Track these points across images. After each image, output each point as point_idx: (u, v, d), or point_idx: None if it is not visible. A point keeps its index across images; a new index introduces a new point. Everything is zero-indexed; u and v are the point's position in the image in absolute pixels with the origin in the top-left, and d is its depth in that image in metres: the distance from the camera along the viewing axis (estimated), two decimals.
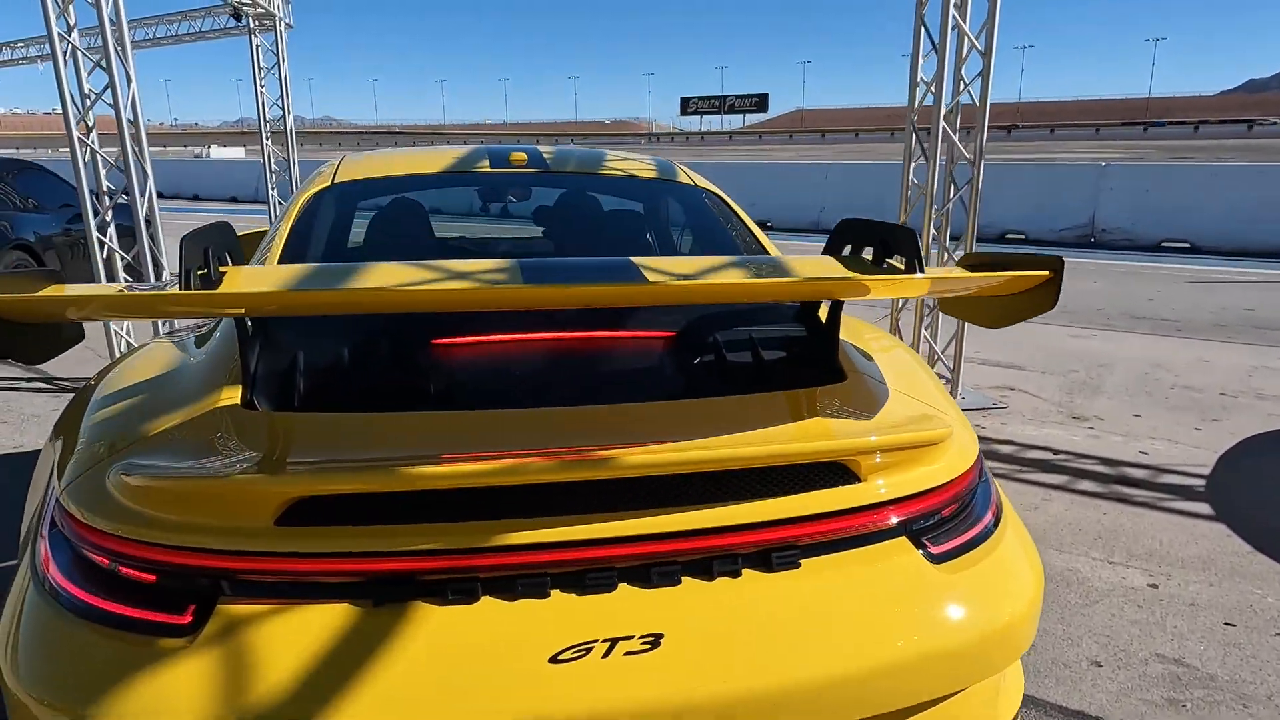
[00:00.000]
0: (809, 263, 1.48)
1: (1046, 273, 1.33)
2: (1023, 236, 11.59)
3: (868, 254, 1.56)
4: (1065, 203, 11.35)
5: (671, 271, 1.34)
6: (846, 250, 1.66)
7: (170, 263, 5.82)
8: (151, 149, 4.86)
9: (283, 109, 8.82)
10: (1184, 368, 5.25)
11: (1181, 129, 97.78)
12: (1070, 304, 7.18)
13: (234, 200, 19.80)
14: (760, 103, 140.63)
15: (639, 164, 2.59)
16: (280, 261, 1.84)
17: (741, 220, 2.31)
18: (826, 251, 1.68)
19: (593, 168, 2.49)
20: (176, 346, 1.92)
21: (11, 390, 5.02)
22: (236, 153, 67.49)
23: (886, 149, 63.88)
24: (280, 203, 9.08)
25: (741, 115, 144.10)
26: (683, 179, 2.51)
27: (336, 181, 2.24)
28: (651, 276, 1.29)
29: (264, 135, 8.95)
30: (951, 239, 4.68)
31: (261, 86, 8.72)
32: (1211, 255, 9.96)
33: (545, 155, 2.50)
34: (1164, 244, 10.60)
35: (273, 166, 9.07)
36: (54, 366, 5.47)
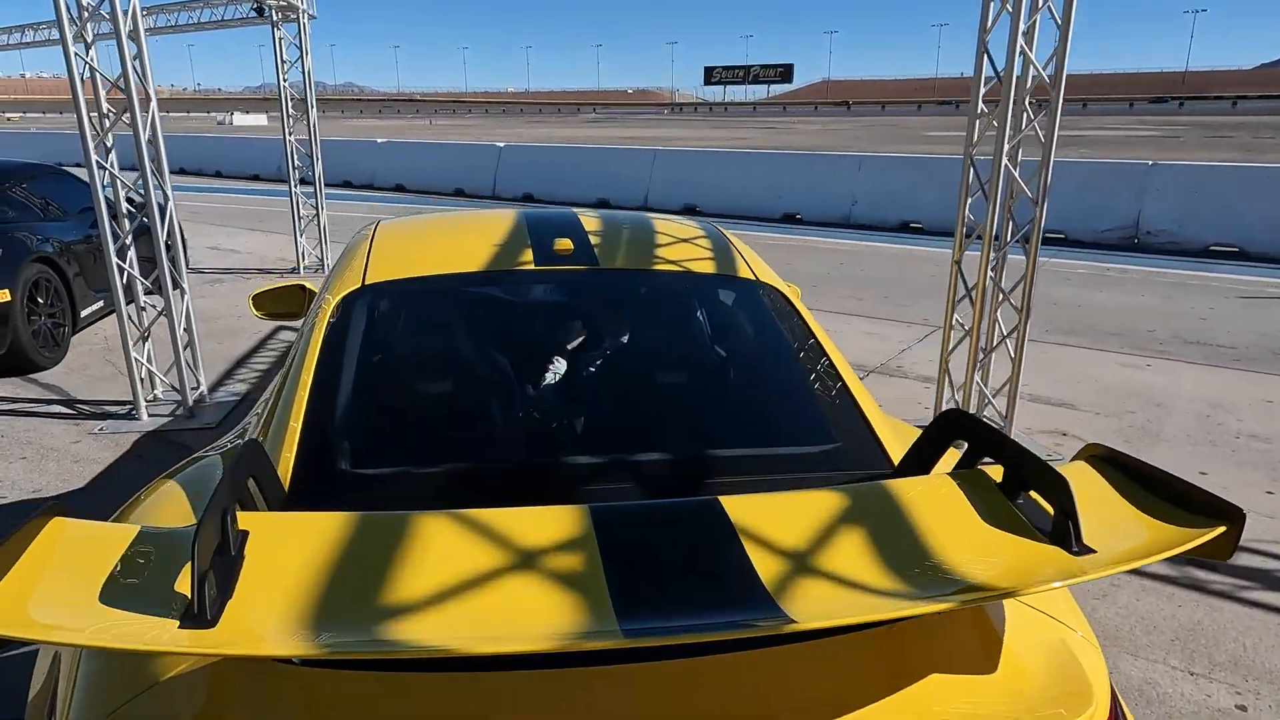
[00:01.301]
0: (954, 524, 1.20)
1: (1222, 528, 1.13)
2: (1062, 236, 11.22)
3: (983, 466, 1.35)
4: (1108, 202, 10.95)
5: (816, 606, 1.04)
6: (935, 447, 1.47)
7: (193, 253, 5.71)
8: (175, 115, 4.72)
9: (307, 102, 8.61)
10: (1247, 410, 4.98)
11: (1219, 104, 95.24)
12: (1117, 323, 6.89)
13: (256, 178, 19.66)
14: (785, 73, 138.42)
15: (694, 249, 2.38)
16: (306, 413, 1.64)
17: (811, 333, 2.06)
18: (924, 447, 1.47)
19: (644, 260, 2.27)
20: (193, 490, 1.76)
21: (30, 415, 4.91)
22: (259, 119, 67.50)
23: (913, 123, 62.71)
24: (304, 200, 8.91)
25: (766, 86, 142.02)
26: (744, 272, 2.28)
27: (368, 283, 2.05)
28: (794, 609, 1.02)
29: (286, 130, 8.75)
30: (1012, 238, 4.36)
31: (284, 79, 8.50)
32: (1261, 263, 9.57)
33: (593, 241, 2.30)
34: (1212, 248, 10.21)
35: (296, 162, 8.88)
36: (77, 387, 5.36)
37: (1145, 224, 10.76)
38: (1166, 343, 6.42)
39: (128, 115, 4.42)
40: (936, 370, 4.76)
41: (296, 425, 1.60)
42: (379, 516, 1.19)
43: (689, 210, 14.19)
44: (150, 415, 4.84)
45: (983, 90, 4.25)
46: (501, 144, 16.97)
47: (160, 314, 4.80)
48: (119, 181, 4.60)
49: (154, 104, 4.53)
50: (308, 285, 3.28)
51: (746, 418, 1.82)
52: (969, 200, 4.38)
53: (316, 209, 8.98)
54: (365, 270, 2.12)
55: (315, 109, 8.72)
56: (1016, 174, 4.24)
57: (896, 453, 1.62)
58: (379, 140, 18.66)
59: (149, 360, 4.95)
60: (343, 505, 1.36)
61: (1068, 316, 7.10)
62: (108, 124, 4.51)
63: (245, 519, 1.13)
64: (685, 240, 2.46)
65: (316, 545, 1.11)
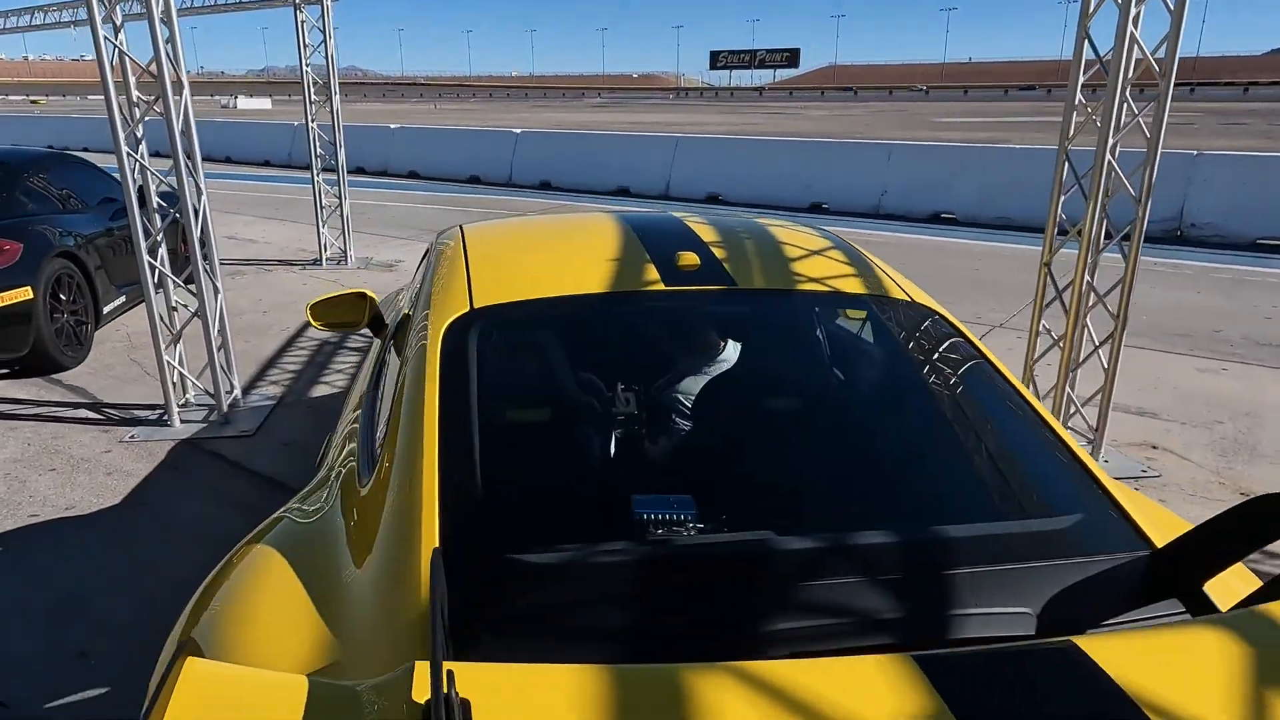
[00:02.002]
0: None
1: None
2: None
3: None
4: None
5: None
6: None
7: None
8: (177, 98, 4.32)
9: (329, 87, 8.30)
10: None
11: (1230, 90, 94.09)
12: (1181, 323, 6.60)
13: (267, 164, 19.34)
14: (791, 58, 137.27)
15: (830, 263, 2.10)
16: (445, 480, 1.35)
17: (994, 369, 1.77)
18: (1220, 536, 1.20)
19: (784, 279, 1.98)
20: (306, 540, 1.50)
21: (56, 420, 4.65)
22: (263, 103, 66.90)
23: (922, 108, 61.94)
24: (323, 182, 8.62)
25: (772, 70, 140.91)
26: (895, 292, 1.99)
27: (477, 306, 1.78)
28: None
29: (309, 115, 8.45)
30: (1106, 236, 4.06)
31: (307, 63, 8.19)
32: None
33: (718, 254, 2.02)
34: (1259, 241, 9.89)
35: (319, 149, 8.58)
36: (103, 389, 5.10)
37: (1190, 216, 10.43)
38: (1237, 344, 6.12)
39: (158, 103, 4.13)
40: (1021, 374, 4.48)
41: (432, 495, 1.33)
42: (638, 671, 0.91)
43: (712, 200, 13.87)
44: (183, 421, 4.58)
45: (1083, 77, 3.93)
46: (518, 130, 16.62)
47: (194, 315, 4.53)
48: (150, 173, 4.32)
49: (187, 90, 4.24)
50: (369, 294, 3.01)
51: (961, 482, 1.53)
52: (1061, 197, 4.09)
53: (340, 198, 8.68)
54: (469, 289, 1.85)
55: (339, 95, 8.41)
56: (1118, 168, 3.94)
57: (1148, 527, 1.34)
58: (392, 126, 18.31)
59: (180, 363, 4.68)
60: (523, 609, 1.09)
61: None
62: (139, 113, 4.22)
63: (463, 674, 0.85)
64: (816, 252, 2.18)
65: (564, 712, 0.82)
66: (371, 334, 3.16)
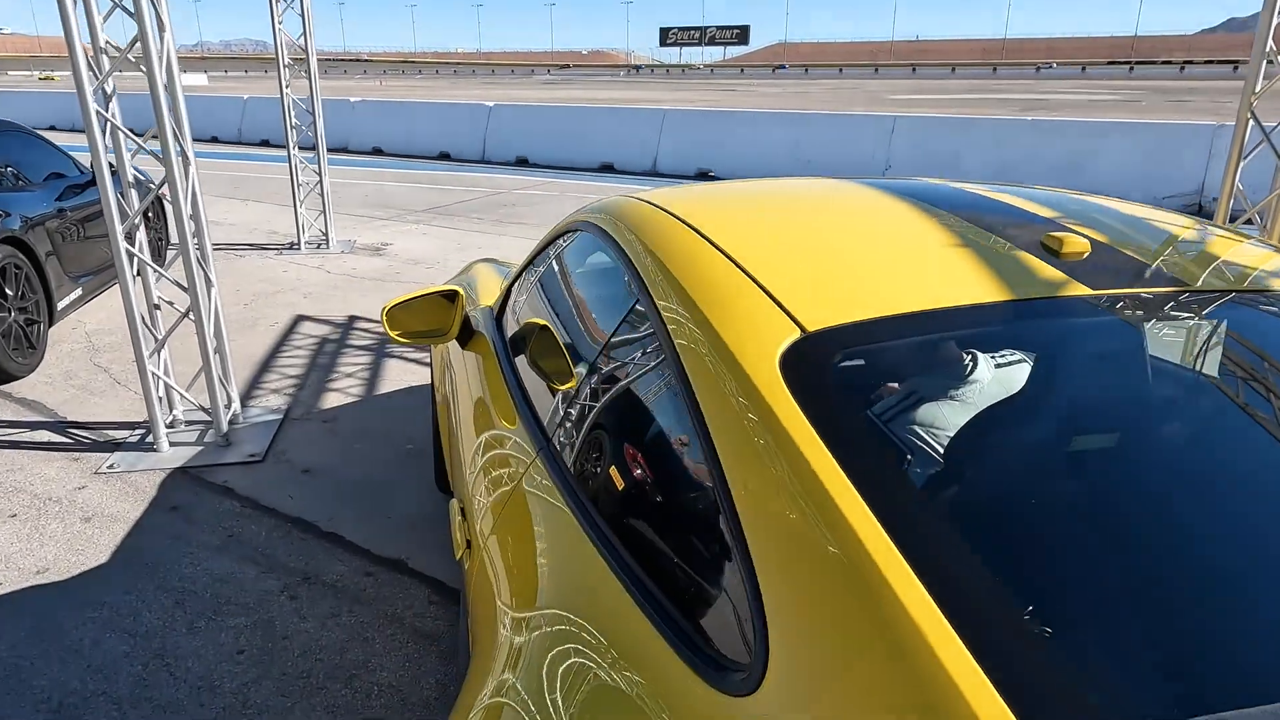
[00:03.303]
0: None
1: None
2: None
3: None
4: (1171, 168, 10.26)
5: None
6: None
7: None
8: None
9: (306, 49, 7.36)
10: None
11: (1167, 69, 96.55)
12: None
13: (214, 140, 18.01)
14: (742, 35, 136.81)
15: (1245, 252, 1.43)
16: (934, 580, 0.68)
17: None
18: None
19: (1229, 277, 1.29)
20: None
21: (9, 446, 3.78)
22: (197, 79, 63.74)
23: (872, 86, 61.90)
24: (300, 158, 7.68)
25: (722, 48, 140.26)
26: None
27: (813, 329, 1.08)
28: None
29: (283, 87, 7.50)
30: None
31: (280, 23, 7.23)
32: None
33: (1104, 240, 1.35)
34: None
35: (294, 120, 7.63)
36: (65, 403, 4.21)
37: (1211, 190, 10.09)
38: None
39: (132, 50, 3.27)
40: None
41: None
42: None
43: (703, 176, 13.18)
44: (173, 444, 3.75)
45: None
46: (491, 104, 15.66)
47: (185, 314, 3.69)
48: (124, 137, 3.45)
49: (170, 35, 3.39)
50: (460, 292, 2.27)
51: None
52: (1238, 168, 3.50)
53: (320, 174, 7.77)
54: (779, 303, 1.14)
55: (315, 58, 7.47)
56: None
57: None
58: (352, 100, 17.14)
59: (165, 372, 3.84)
60: None
61: None
62: (107, 62, 3.35)
63: None
64: (1199, 237, 1.51)
65: None
66: (459, 345, 2.41)
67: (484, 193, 11.33)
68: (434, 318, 2.27)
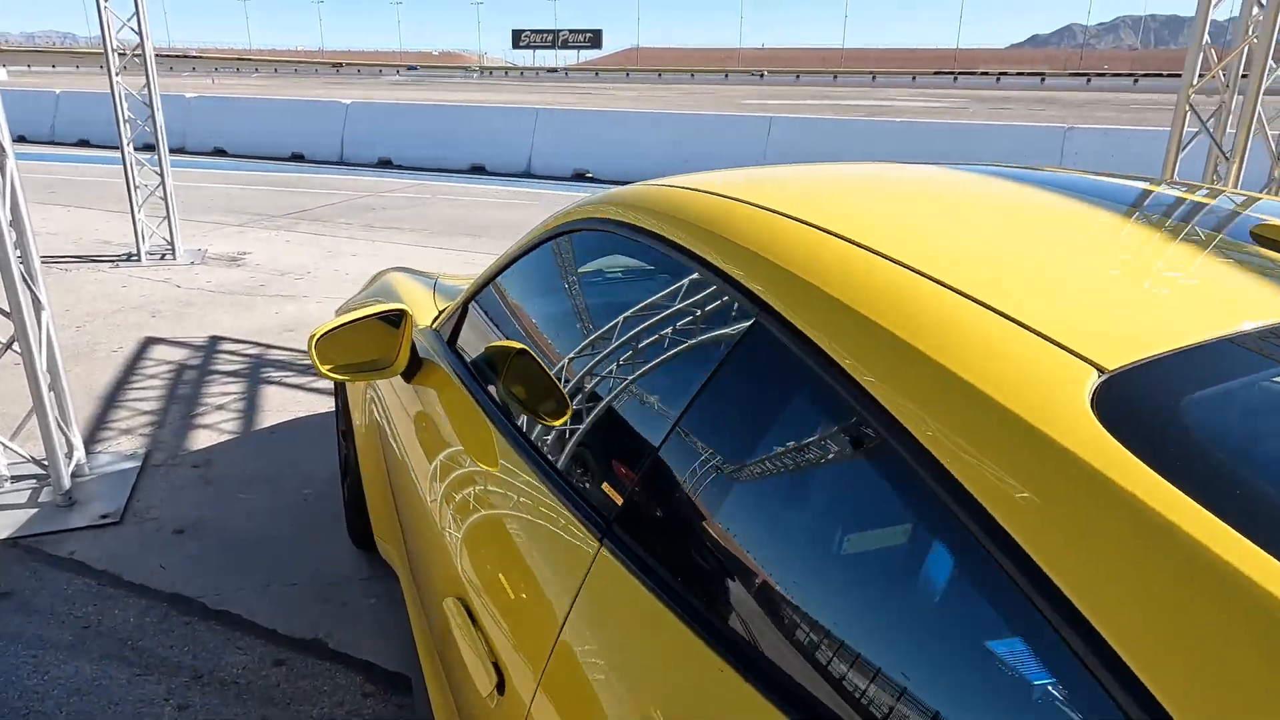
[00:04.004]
0: None
1: None
2: None
3: None
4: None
5: None
6: None
7: None
8: None
9: (140, 32, 6.41)
10: None
11: (985, 79, 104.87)
12: None
13: (22, 140, 15.92)
14: (595, 39, 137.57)
15: None
16: None
17: None
18: None
19: None
20: None
21: None
22: None
23: (726, 91, 63.65)
24: (136, 156, 6.70)
25: (576, 51, 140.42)
26: None
27: (1114, 369, 0.73)
28: None
29: (113, 78, 6.51)
30: None
31: (106, 4, 6.25)
32: None
33: None
34: None
35: (128, 114, 6.64)
36: None
37: None
38: None
39: None
40: None
41: None
42: None
43: (579, 177, 12.81)
44: None
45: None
46: (348, 101, 14.63)
47: (9, 345, 2.95)
48: None
49: None
50: (407, 313, 1.80)
51: None
52: (1177, 159, 3.48)
53: (161, 175, 6.82)
54: (1049, 337, 0.78)
55: (149, 41, 6.53)
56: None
57: None
58: (189, 95, 15.60)
59: None
60: None
61: None
62: None
63: None
64: None
65: None
66: (405, 380, 1.92)
67: (348, 196, 10.47)
68: (374, 346, 1.79)
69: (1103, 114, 29.02)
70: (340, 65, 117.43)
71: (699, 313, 1.14)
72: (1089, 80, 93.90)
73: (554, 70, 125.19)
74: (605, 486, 1.17)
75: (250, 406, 4.02)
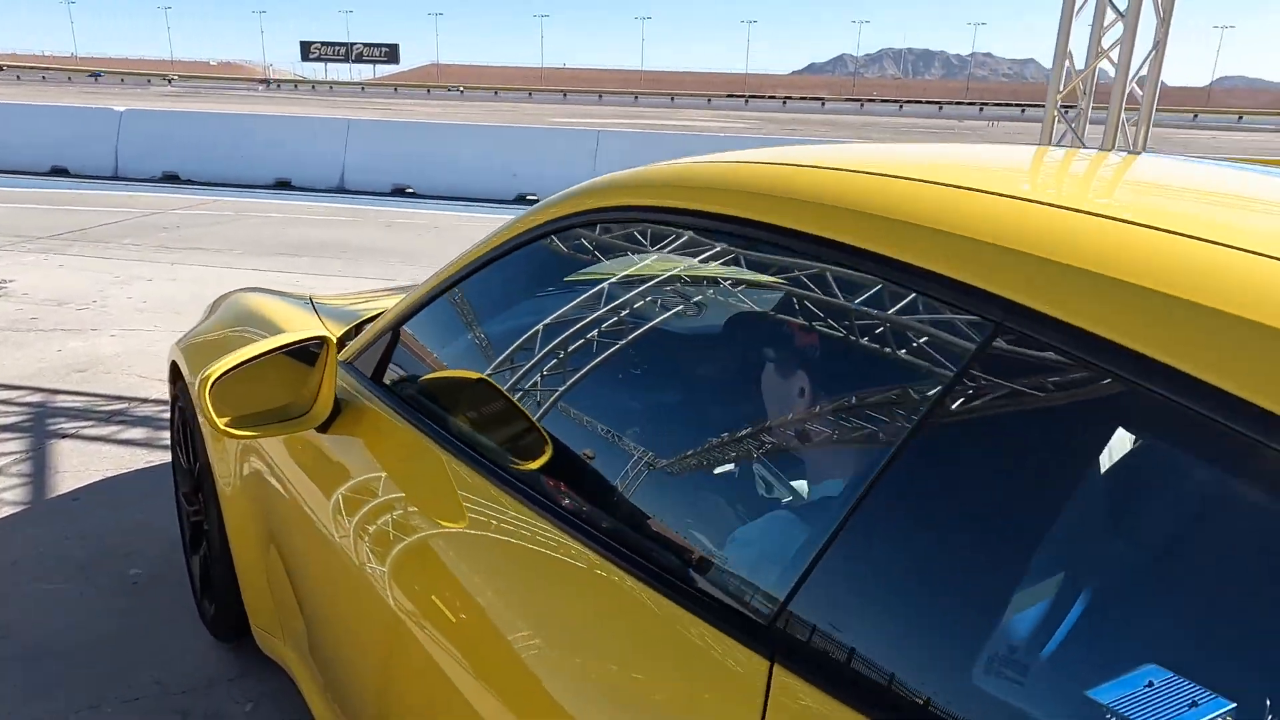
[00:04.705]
0: None
1: None
2: None
3: None
4: None
5: None
6: None
7: None
8: None
9: None
10: None
11: (772, 102, 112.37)
12: None
13: None
14: (391, 53, 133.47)
15: None
16: None
17: None
18: None
19: None
20: None
21: None
22: None
23: (531, 109, 63.72)
24: None
25: (371, 66, 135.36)
26: None
27: None
28: None
29: None
30: None
31: None
32: None
33: None
34: None
35: None
36: None
37: None
38: None
39: None
40: None
41: None
42: None
43: (399, 192, 12.07)
44: None
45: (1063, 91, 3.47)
46: (121, 109, 12.95)
47: None
48: None
49: None
50: (331, 341, 1.38)
51: None
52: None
53: None
54: None
55: None
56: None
57: None
58: None
59: None
60: None
61: None
62: None
63: None
64: None
65: None
66: (319, 432, 1.47)
67: (132, 214, 9.17)
68: (282, 388, 1.34)
69: (877, 135, 31.78)
70: (99, 73, 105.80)
71: (855, 323, 0.86)
72: (862, 105, 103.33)
73: (349, 84, 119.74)
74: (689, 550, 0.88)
75: (39, 469, 3.23)
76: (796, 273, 0.97)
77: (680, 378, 1.20)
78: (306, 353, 1.36)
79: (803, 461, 1.03)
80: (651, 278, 1.32)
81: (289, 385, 1.36)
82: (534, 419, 1.21)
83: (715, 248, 1.09)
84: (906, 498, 0.74)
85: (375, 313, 1.89)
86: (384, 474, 1.32)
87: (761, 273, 1.08)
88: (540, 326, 1.36)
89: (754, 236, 0.98)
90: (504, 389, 1.31)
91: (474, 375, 1.37)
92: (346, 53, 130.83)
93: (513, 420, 1.26)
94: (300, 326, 1.83)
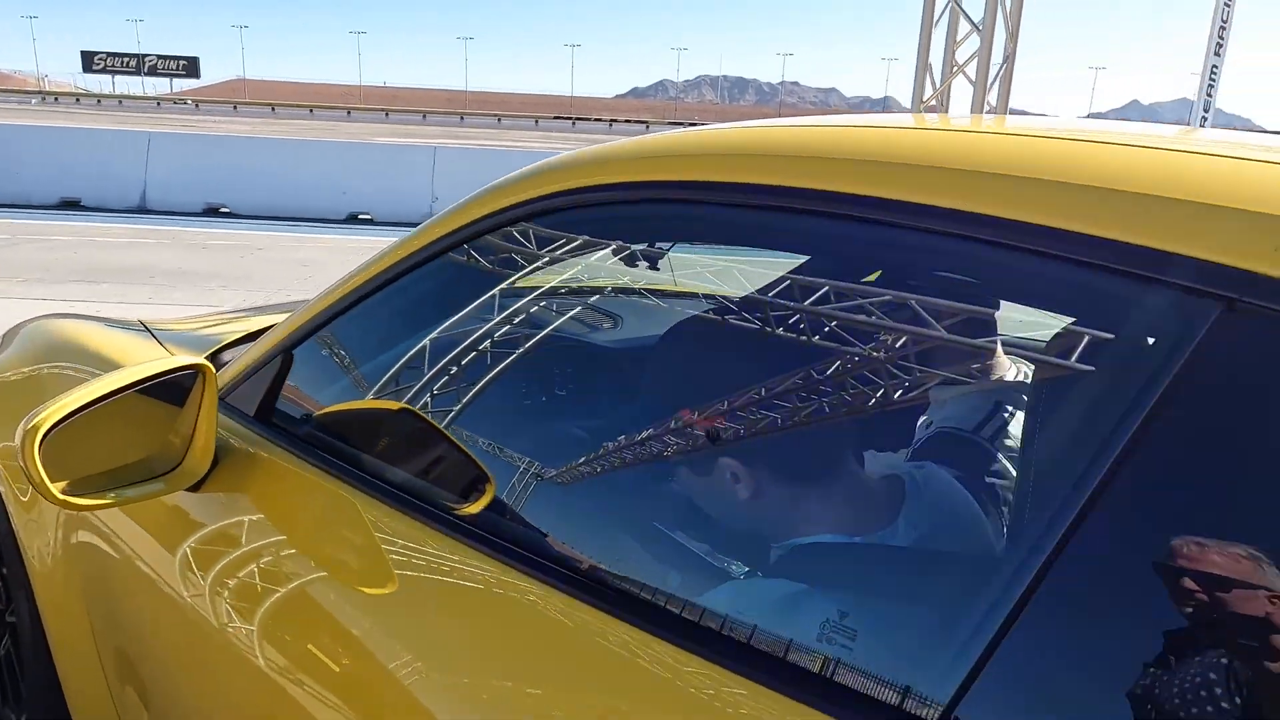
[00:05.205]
0: None
1: None
2: None
3: None
4: None
5: None
6: None
7: None
8: None
9: None
10: None
11: (599, 125, 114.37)
12: None
13: None
14: (190, 67, 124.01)
15: None
16: None
17: None
18: None
19: None
20: None
21: None
22: None
23: (350, 127, 60.97)
24: None
25: (168, 79, 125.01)
26: None
27: None
28: None
29: None
30: None
31: None
32: None
33: None
34: None
35: None
36: None
37: None
38: None
39: None
40: None
41: None
42: None
43: (212, 212, 11.05)
44: None
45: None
46: None
47: None
48: None
49: None
50: (208, 370, 1.07)
51: None
52: None
53: None
54: None
55: None
56: None
57: None
58: None
59: None
60: None
61: None
62: None
63: None
64: None
65: None
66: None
67: None
68: (138, 437, 1.02)
69: None
70: None
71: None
72: (685, 128, 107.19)
73: (143, 99, 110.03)
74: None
75: None
76: (889, 260, 0.80)
77: (677, 395, 1.00)
78: (168, 389, 1.05)
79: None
80: (629, 277, 1.12)
81: (145, 433, 1.04)
82: (486, 450, 0.99)
83: (725, 230, 0.92)
84: (1120, 549, 0.57)
85: (235, 337, 1.55)
86: (283, 538, 1.03)
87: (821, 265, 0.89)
88: (474, 340, 1.12)
89: (851, 214, 0.78)
90: (434, 418, 1.07)
91: (396, 405, 1.11)
92: (138, 64, 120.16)
93: (453, 456, 1.03)
94: (142, 357, 1.46)
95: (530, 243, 1.08)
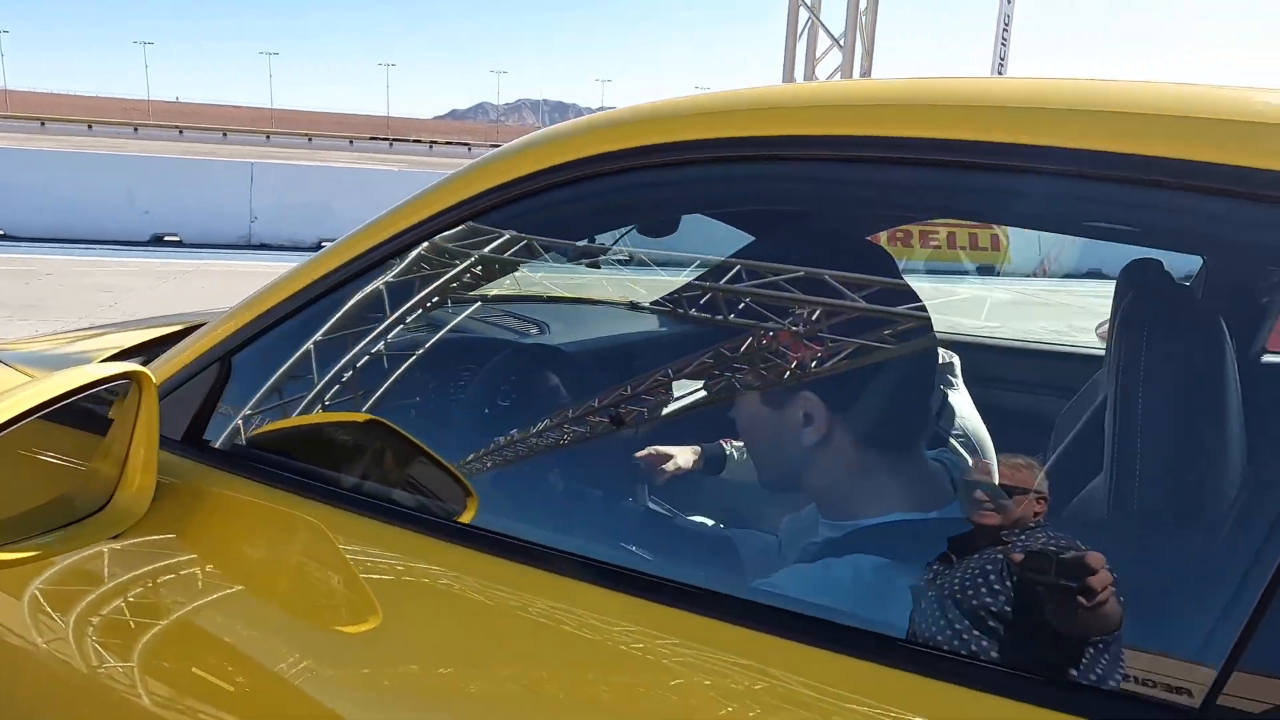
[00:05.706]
0: None
1: None
2: None
3: None
4: None
5: None
6: None
7: None
8: None
9: None
10: None
11: (419, 146, 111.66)
12: None
13: None
14: None
15: None
16: None
17: None
18: None
19: None
20: None
21: None
22: None
23: (137, 145, 55.69)
24: None
25: None
26: None
27: None
28: None
29: None
30: None
31: None
32: None
33: None
34: None
35: None
36: None
37: None
38: None
39: None
40: None
41: None
42: None
43: None
44: None
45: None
46: None
47: None
48: None
49: None
50: (146, 378, 0.86)
51: None
52: None
53: None
54: None
55: None
56: None
57: None
58: None
59: None
60: None
61: None
62: None
63: None
64: None
65: None
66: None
67: None
68: (47, 474, 0.80)
69: None
70: None
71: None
72: None
73: None
74: None
75: None
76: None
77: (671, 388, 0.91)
78: (73, 410, 0.82)
79: None
80: (621, 266, 1.02)
81: (52, 468, 0.81)
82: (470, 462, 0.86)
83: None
84: None
85: (113, 351, 1.28)
86: (240, 588, 0.84)
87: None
88: (447, 338, 0.98)
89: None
90: (407, 430, 0.91)
91: (363, 417, 0.95)
92: None
93: (433, 468, 0.90)
94: (7, 384, 1.16)
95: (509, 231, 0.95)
